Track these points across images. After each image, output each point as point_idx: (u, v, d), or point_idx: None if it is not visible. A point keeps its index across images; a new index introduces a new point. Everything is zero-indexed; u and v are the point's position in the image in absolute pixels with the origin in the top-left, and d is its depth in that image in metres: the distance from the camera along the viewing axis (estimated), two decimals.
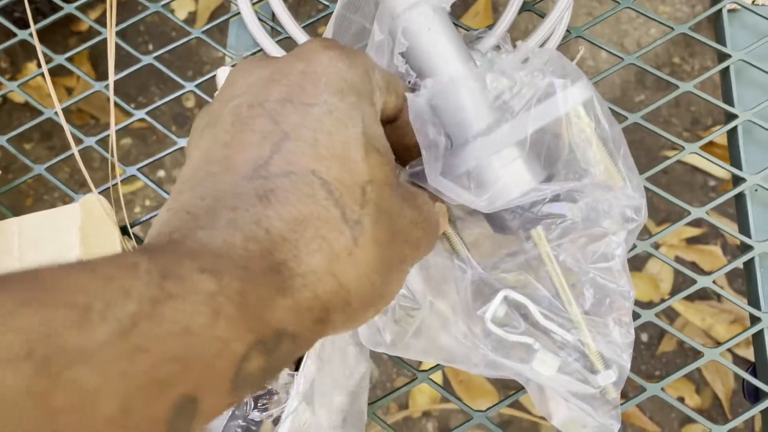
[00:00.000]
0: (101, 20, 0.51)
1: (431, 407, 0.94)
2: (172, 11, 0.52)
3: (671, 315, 0.92)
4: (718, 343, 0.43)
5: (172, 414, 0.16)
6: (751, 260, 0.43)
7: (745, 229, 0.44)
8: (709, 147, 0.45)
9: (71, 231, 0.44)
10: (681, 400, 0.82)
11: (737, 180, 0.45)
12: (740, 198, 0.45)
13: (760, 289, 0.43)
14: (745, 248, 0.43)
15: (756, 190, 0.44)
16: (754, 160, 0.45)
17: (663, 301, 0.43)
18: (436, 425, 0.95)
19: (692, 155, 0.45)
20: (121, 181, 0.46)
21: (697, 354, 0.41)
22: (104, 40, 0.50)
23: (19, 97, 0.54)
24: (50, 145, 0.44)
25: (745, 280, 0.44)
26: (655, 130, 0.46)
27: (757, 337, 0.42)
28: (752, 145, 0.45)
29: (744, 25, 0.48)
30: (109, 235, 0.45)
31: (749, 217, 0.44)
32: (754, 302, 0.43)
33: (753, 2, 0.48)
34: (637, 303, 0.40)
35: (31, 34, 0.52)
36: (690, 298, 0.91)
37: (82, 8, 0.52)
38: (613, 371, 0.33)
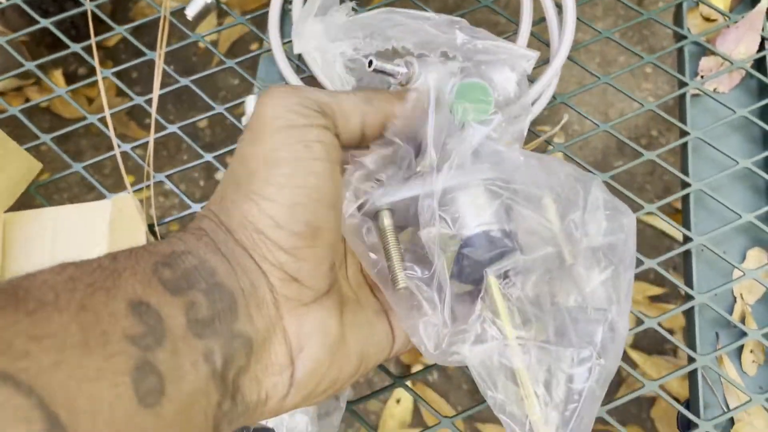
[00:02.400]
0: (124, 41, 0.58)
1: (401, 431, 0.98)
2: (214, 43, 0.58)
3: (631, 366, 0.98)
4: (668, 393, 0.49)
5: None
6: (691, 309, 0.50)
7: (686, 225, 0.52)
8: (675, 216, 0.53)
9: (101, 225, 0.50)
10: None
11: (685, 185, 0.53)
12: (686, 199, 0.52)
13: (697, 334, 0.49)
14: (688, 298, 0.50)
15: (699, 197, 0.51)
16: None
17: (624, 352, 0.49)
18: None
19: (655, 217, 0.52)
20: (146, 186, 0.52)
21: (640, 388, 0.47)
22: (129, 58, 0.57)
23: (37, 99, 0.60)
24: (66, 148, 0.50)
25: (685, 327, 0.51)
26: (621, 189, 0.52)
27: (692, 375, 0.49)
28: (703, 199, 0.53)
29: (704, 108, 0.56)
30: (136, 232, 0.51)
31: (690, 216, 0.51)
32: (691, 345, 0.49)
33: (714, 90, 0.55)
34: None
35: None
36: (648, 351, 0.98)
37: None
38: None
